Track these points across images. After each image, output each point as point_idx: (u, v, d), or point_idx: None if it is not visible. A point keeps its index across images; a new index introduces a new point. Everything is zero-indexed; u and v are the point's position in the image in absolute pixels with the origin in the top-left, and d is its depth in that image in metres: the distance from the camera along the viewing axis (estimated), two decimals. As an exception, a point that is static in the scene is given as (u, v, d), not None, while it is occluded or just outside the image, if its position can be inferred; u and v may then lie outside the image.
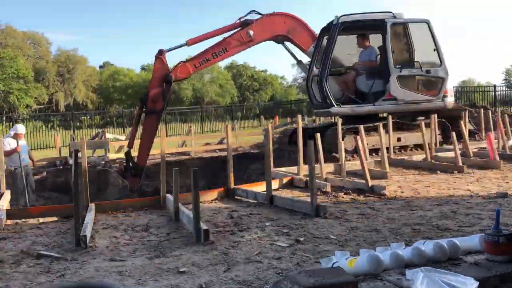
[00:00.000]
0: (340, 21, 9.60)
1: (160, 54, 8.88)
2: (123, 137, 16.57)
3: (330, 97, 9.48)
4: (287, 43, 10.67)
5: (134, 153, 9.04)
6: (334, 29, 9.57)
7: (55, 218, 5.63)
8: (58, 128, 29.07)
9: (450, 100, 10.27)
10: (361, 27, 10.05)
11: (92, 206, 5.17)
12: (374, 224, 4.18)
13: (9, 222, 5.02)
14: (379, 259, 2.72)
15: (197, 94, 54.09)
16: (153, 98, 8.68)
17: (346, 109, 9.61)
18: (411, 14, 11.12)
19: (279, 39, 10.33)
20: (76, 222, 3.97)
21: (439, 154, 8.78)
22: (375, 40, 10.46)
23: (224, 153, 10.85)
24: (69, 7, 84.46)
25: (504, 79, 58.96)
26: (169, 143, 13.97)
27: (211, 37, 9.47)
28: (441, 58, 9.92)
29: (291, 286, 2.25)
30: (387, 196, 5.56)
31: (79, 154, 4.69)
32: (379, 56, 10.07)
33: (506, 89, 31.54)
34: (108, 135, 15.53)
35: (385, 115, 10.09)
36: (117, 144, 14.18)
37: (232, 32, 9.62)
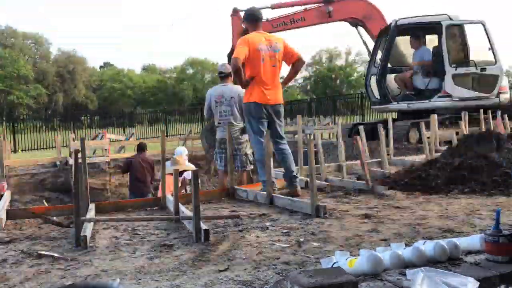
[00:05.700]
0: (398, 24, 10.50)
1: (236, 12, 9.63)
2: (123, 138, 16.58)
3: (389, 94, 10.49)
4: (361, 30, 11.24)
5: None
6: (392, 31, 10.53)
7: (55, 218, 5.63)
8: (58, 129, 29.09)
9: (506, 96, 10.96)
10: (417, 29, 10.80)
11: (92, 206, 5.16)
12: (374, 224, 4.18)
13: (9, 222, 5.02)
14: (379, 259, 2.72)
15: (197, 94, 54.09)
16: None
17: (404, 105, 10.76)
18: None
19: (354, 23, 10.99)
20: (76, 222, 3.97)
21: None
22: (432, 41, 11.14)
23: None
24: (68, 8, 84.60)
25: (503, 79, 58.90)
26: (169, 144, 13.96)
27: (292, 6, 10.42)
28: (496, 56, 10.62)
29: (291, 286, 2.25)
30: (387, 196, 5.56)
31: (79, 155, 4.69)
32: (432, 56, 10.72)
33: (506, 89, 31.47)
34: (108, 136, 15.54)
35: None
36: (117, 144, 14.19)
37: (313, 6, 10.49)
